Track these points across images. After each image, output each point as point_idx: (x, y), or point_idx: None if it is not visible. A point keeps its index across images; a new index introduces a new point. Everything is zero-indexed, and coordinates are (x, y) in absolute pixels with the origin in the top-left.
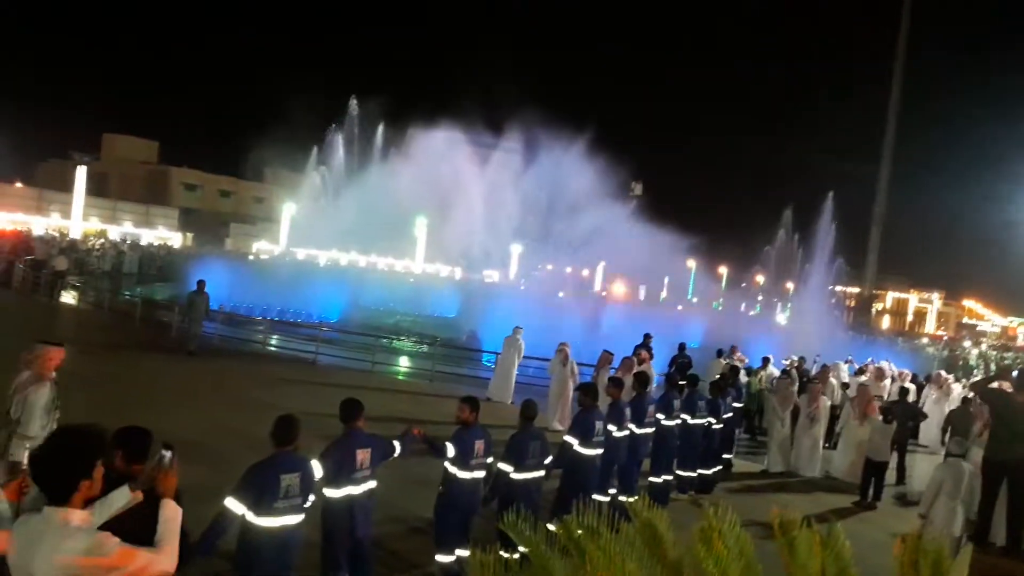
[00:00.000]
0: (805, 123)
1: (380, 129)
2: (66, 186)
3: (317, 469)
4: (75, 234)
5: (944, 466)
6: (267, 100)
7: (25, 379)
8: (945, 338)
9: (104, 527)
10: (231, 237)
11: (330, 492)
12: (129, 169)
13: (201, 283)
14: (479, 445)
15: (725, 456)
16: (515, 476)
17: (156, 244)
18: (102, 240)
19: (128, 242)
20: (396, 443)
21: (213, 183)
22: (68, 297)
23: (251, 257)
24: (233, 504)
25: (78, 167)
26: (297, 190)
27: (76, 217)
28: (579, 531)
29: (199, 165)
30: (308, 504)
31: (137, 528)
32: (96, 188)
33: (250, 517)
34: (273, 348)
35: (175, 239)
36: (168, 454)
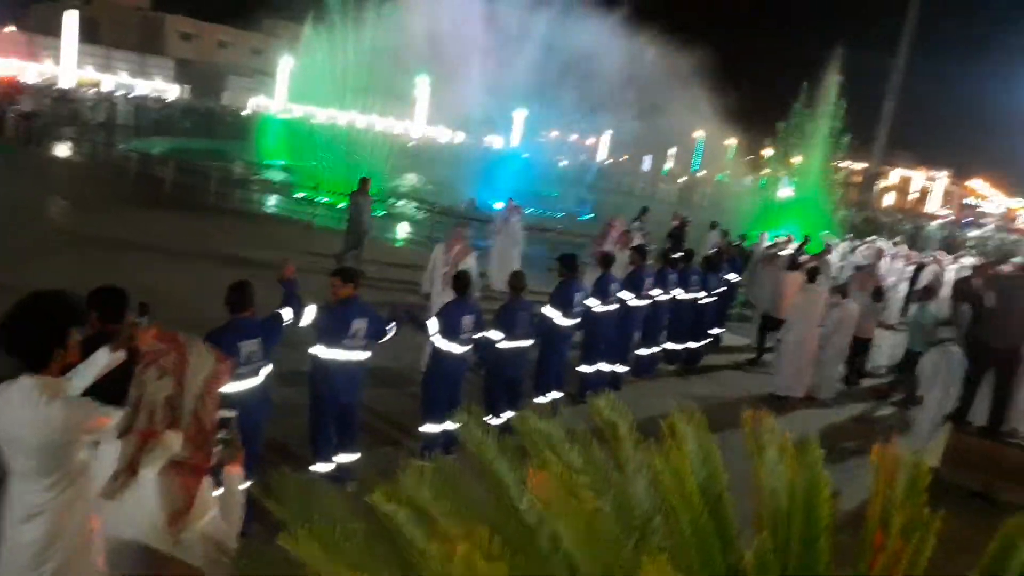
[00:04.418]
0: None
1: None
2: (59, 31)
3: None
4: (66, 83)
5: (940, 351)
6: None
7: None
8: (951, 217)
9: (89, 390)
10: (228, 91)
11: (320, 352)
12: (121, 15)
13: (365, 181)
14: (468, 320)
15: (715, 331)
16: (504, 345)
17: (151, 96)
18: (93, 89)
19: (119, 93)
20: (388, 328)
21: (210, 32)
22: (64, 149)
23: (245, 113)
24: None
25: (65, 11)
26: (296, 43)
27: (67, 65)
28: (533, 435)
29: (195, 13)
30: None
31: (121, 389)
32: (87, 35)
33: None
34: (270, 210)
35: (172, 91)
36: (144, 318)
